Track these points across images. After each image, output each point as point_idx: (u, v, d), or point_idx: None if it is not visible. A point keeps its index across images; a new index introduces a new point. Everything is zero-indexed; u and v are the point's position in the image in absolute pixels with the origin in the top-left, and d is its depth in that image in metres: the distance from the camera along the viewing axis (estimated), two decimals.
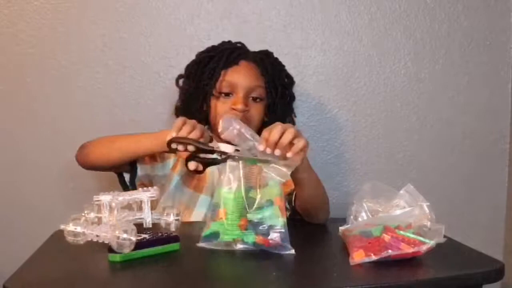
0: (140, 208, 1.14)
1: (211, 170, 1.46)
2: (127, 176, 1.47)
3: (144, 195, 1.13)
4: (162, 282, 0.94)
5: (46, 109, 1.76)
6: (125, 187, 1.48)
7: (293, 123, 1.61)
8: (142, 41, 1.76)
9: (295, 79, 1.74)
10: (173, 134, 1.19)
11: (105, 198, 1.09)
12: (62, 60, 1.75)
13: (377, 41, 1.83)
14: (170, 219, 1.17)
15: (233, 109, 1.44)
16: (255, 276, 0.95)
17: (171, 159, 1.49)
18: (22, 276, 0.97)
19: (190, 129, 1.21)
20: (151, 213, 1.15)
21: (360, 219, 1.10)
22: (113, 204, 1.07)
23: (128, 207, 1.15)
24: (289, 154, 1.15)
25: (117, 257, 1.01)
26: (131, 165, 1.43)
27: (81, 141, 1.75)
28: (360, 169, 1.85)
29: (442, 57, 1.86)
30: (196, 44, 1.62)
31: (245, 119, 1.42)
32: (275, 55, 1.59)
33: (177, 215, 1.18)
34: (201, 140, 1.20)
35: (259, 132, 1.46)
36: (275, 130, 1.15)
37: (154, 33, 1.76)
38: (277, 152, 1.14)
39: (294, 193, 1.40)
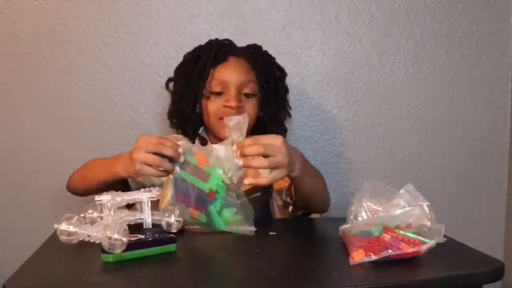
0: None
1: None
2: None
3: (144, 195, 1.12)
4: (152, 283, 0.94)
5: (46, 109, 1.76)
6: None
7: (289, 115, 1.60)
8: (142, 41, 1.76)
9: (295, 79, 1.75)
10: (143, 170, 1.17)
11: (106, 198, 1.09)
12: (62, 60, 1.75)
13: (377, 41, 1.83)
14: (171, 220, 1.17)
15: (226, 106, 1.42)
16: (254, 277, 0.95)
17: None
18: (22, 276, 0.97)
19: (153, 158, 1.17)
20: (153, 213, 1.14)
21: (360, 218, 1.10)
22: (109, 204, 1.06)
23: (133, 207, 1.15)
24: (246, 181, 1.16)
25: (110, 258, 1.00)
26: (123, 185, 1.40)
27: (81, 141, 1.77)
28: (360, 169, 1.85)
29: (442, 57, 1.86)
30: (196, 44, 1.61)
31: None
32: (275, 55, 1.59)
33: (179, 215, 1.18)
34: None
35: (254, 128, 1.46)
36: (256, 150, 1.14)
37: (154, 33, 1.76)
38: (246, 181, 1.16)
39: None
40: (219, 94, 1.45)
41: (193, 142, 1.53)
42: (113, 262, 1.00)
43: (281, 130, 1.54)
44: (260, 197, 1.45)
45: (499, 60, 1.88)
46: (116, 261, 1.00)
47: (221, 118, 1.41)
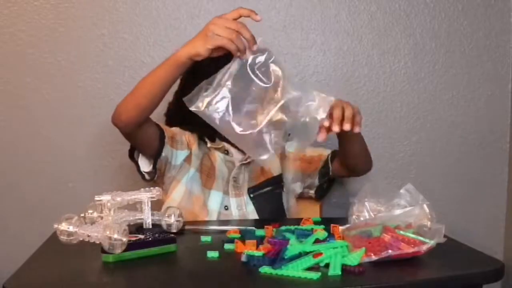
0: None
1: (219, 167, 1.47)
2: (142, 164, 1.45)
3: (144, 195, 1.12)
4: (152, 283, 0.94)
5: (46, 109, 1.76)
6: (142, 176, 1.46)
7: None
8: (142, 41, 1.76)
9: (295, 79, 1.74)
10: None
11: (106, 198, 1.09)
12: (62, 60, 1.75)
13: (377, 41, 1.83)
14: (171, 220, 1.17)
15: None
16: (254, 276, 0.95)
17: (184, 151, 1.48)
18: (22, 276, 0.97)
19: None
20: (153, 213, 1.14)
21: (362, 218, 1.10)
22: (109, 205, 1.06)
23: (133, 207, 1.15)
24: (346, 127, 1.17)
25: (109, 258, 1.00)
26: (159, 147, 1.41)
27: (81, 140, 1.77)
28: None
29: (442, 57, 1.86)
30: None
31: None
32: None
33: (179, 216, 1.18)
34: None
35: None
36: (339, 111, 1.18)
37: (154, 33, 1.76)
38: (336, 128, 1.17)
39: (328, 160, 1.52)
40: None
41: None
42: (113, 262, 1.00)
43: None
44: (272, 191, 1.47)
45: (499, 60, 1.88)
46: (116, 261, 1.00)
47: None
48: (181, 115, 1.49)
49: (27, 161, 1.76)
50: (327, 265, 0.96)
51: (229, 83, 1.10)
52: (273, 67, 1.12)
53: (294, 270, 0.93)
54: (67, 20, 1.74)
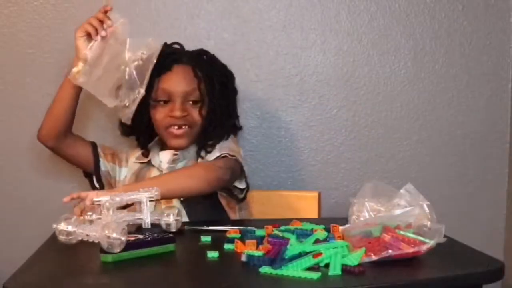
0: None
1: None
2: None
3: (143, 195, 1.12)
4: (151, 283, 0.94)
5: (46, 109, 1.75)
6: (94, 188, 1.54)
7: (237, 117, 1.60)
8: None
9: (295, 79, 1.75)
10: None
11: (104, 198, 1.09)
12: (62, 60, 1.74)
13: (377, 41, 1.83)
14: (170, 220, 1.17)
15: (171, 116, 1.46)
16: (253, 278, 0.95)
17: (127, 168, 1.56)
18: (22, 276, 0.97)
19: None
20: (152, 213, 1.14)
21: (362, 218, 1.10)
22: (107, 204, 1.06)
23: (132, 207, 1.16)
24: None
25: (108, 258, 1.00)
26: (94, 161, 1.51)
27: None
28: (360, 169, 1.85)
29: (442, 57, 1.86)
30: (196, 44, 1.61)
31: (187, 124, 1.46)
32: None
33: (178, 215, 1.18)
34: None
35: (201, 135, 1.50)
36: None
37: (154, 33, 1.76)
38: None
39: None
40: (166, 102, 1.47)
41: (147, 152, 1.56)
42: (112, 262, 1.00)
43: (225, 134, 1.53)
44: (206, 196, 1.43)
45: (499, 60, 1.88)
46: (115, 261, 1.00)
47: (167, 127, 1.47)
48: (131, 126, 1.53)
49: (27, 161, 1.76)
50: (327, 265, 0.96)
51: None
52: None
53: (294, 270, 0.93)
54: (67, 20, 1.74)
